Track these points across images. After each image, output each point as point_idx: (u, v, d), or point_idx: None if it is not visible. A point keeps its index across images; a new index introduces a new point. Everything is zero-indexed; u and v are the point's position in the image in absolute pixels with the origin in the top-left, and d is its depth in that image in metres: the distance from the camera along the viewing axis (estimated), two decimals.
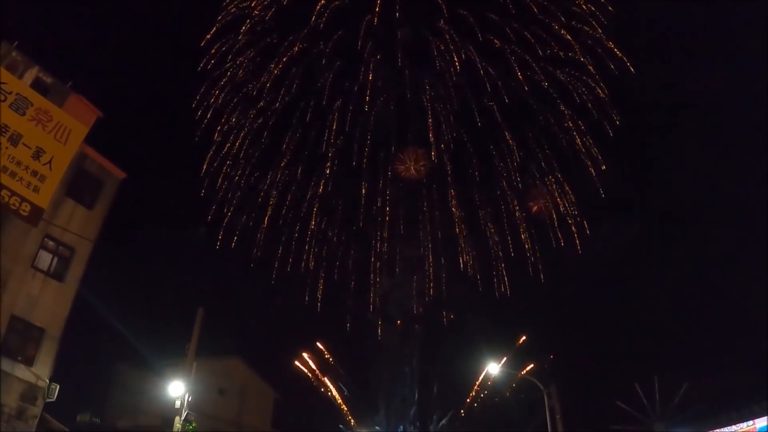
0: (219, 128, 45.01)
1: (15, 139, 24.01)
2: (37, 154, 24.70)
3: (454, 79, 46.69)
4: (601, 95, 43.90)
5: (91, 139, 28.63)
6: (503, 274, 47.60)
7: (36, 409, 24.69)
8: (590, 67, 43.60)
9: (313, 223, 48.84)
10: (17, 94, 24.49)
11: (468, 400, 46.58)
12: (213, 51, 44.00)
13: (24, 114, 24.38)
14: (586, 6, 42.27)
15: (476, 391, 45.03)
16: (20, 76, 25.95)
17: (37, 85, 26.61)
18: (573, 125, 45.62)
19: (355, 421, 50.26)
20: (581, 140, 45.72)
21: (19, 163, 24.02)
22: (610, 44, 42.62)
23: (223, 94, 44.86)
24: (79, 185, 28.96)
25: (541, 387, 30.10)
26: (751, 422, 28.80)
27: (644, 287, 64.08)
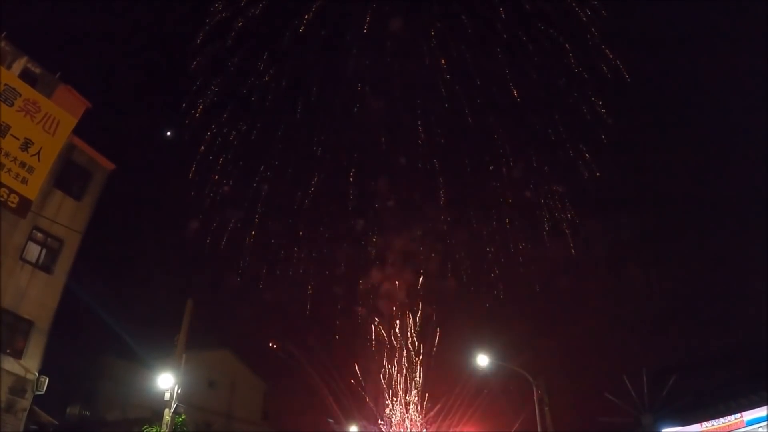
0: (210, 129, 44.73)
1: (3, 131, 23.78)
2: (26, 146, 24.50)
3: (448, 77, 46.66)
4: (596, 101, 43.91)
5: (79, 130, 28.44)
6: (494, 269, 47.79)
7: (25, 402, 24.58)
8: (581, 69, 43.62)
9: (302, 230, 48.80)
10: (5, 84, 24.23)
11: (457, 392, 46.72)
12: (203, 48, 43.66)
13: (12, 105, 24.14)
14: (580, 8, 42.12)
15: (465, 383, 45.13)
16: (8, 67, 25.69)
17: (26, 76, 26.36)
18: (564, 130, 45.74)
19: (343, 414, 50.31)
20: (573, 143, 45.83)
21: (7, 155, 23.80)
22: (606, 50, 42.58)
23: (213, 91, 44.55)
24: (68, 176, 28.79)
25: (530, 378, 30.22)
26: (738, 415, 29.03)
27: (633, 280, 64.45)
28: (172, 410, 24.07)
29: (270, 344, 48.61)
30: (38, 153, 24.97)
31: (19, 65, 26.46)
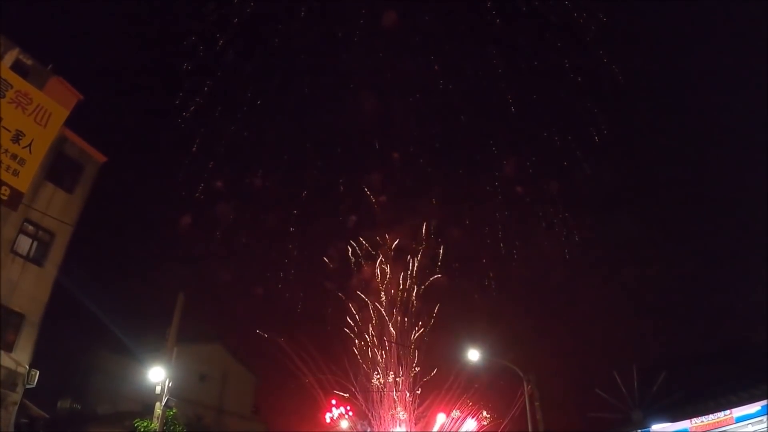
0: (203, 124, 44.50)
1: None
2: (17, 138, 24.37)
3: (441, 83, 46.60)
4: (591, 105, 43.99)
5: (71, 122, 28.29)
6: (486, 265, 47.93)
7: (16, 396, 24.51)
8: (576, 69, 43.62)
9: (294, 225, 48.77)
10: None
11: (448, 386, 46.79)
12: (198, 42, 43.37)
13: (4, 96, 23.99)
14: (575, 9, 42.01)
15: (456, 377, 45.19)
16: (0, 58, 25.51)
17: (18, 67, 26.17)
18: (558, 129, 45.89)
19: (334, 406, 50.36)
20: (567, 142, 45.92)
21: None
22: (600, 51, 42.47)
23: (206, 86, 44.32)
24: (59, 169, 28.64)
25: (521, 374, 30.35)
26: (728, 411, 29.16)
27: (624, 277, 64.75)
28: (163, 404, 24.11)
29: None
30: (30, 145, 24.84)
31: (11, 57, 26.26)
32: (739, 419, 28.69)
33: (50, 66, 28.28)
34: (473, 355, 33.63)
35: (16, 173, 24.25)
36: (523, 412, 30.47)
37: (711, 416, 29.96)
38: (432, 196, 50.14)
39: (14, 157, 24.22)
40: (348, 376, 47.83)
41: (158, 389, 24.48)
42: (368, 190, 49.00)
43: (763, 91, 44.79)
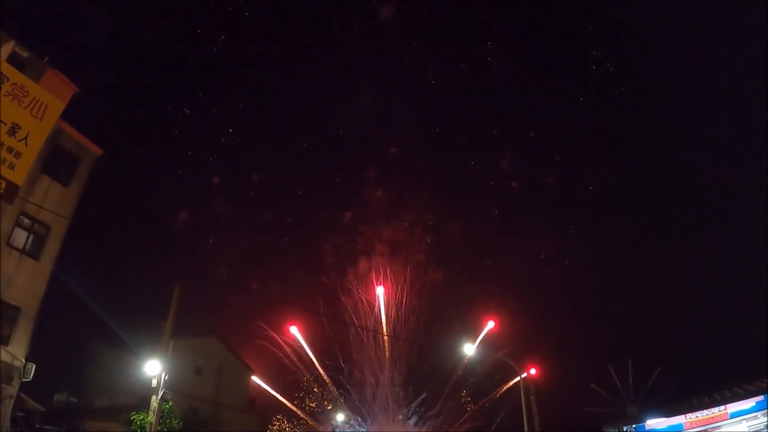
0: (200, 118, 44.45)
1: None
2: (13, 130, 24.27)
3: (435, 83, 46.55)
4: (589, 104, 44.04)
5: (67, 115, 28.18)
6: (483, 261, 48.01)
7: (12, 389, 24.49)
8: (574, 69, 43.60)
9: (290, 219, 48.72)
10: None
11: (443, 381, 46.87)
12: (195, 37, 43.27)
13: None
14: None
15: (452, 372, 45.27)
16: None
17: (14, 60, 26.03)
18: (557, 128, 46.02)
19: (329, 402, 50.55)
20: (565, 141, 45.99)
21: None
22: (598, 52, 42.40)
23: (203, 81, 44.30)
24: (55, 162, 28.51)
25: (517, 368, 30.45)
26: (722, 407, 29.36)
27: (621, 275, 65.01)
28: (159, 397, 24.06)
29: None
30: (26, 138, 24.75)
31: (7, 49, 26.12)
32: (734, 415, 28.88)
33: (46, 58, 28.14)
34: (469, 349, 33.72)
35: (12, 166, 24.16)
36: (519, 407, 30.60)
37: (705, 411, 30.16)
38: (429, 192, 50.11)
39: (10, 150, 24.13)
40: (342, 372, 47.94)
41: (154, 382, 24.39)
42: (364, 185, 49.05)
43: (763, 89, 44.86)
